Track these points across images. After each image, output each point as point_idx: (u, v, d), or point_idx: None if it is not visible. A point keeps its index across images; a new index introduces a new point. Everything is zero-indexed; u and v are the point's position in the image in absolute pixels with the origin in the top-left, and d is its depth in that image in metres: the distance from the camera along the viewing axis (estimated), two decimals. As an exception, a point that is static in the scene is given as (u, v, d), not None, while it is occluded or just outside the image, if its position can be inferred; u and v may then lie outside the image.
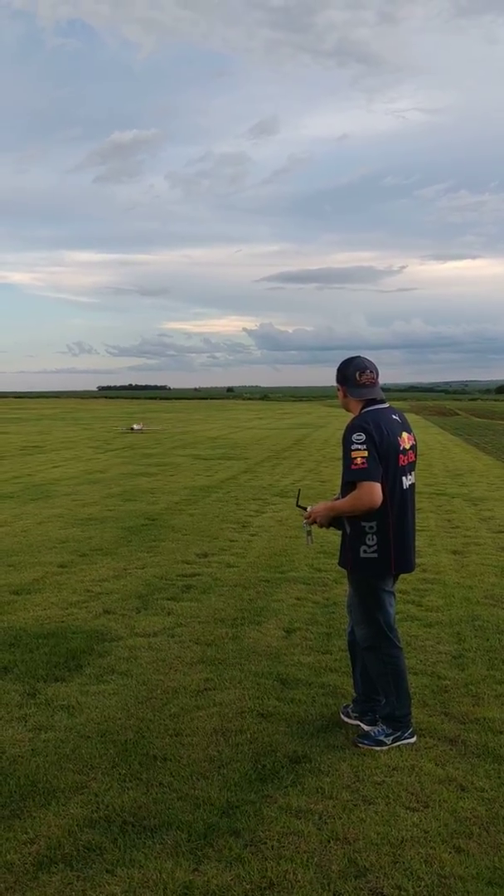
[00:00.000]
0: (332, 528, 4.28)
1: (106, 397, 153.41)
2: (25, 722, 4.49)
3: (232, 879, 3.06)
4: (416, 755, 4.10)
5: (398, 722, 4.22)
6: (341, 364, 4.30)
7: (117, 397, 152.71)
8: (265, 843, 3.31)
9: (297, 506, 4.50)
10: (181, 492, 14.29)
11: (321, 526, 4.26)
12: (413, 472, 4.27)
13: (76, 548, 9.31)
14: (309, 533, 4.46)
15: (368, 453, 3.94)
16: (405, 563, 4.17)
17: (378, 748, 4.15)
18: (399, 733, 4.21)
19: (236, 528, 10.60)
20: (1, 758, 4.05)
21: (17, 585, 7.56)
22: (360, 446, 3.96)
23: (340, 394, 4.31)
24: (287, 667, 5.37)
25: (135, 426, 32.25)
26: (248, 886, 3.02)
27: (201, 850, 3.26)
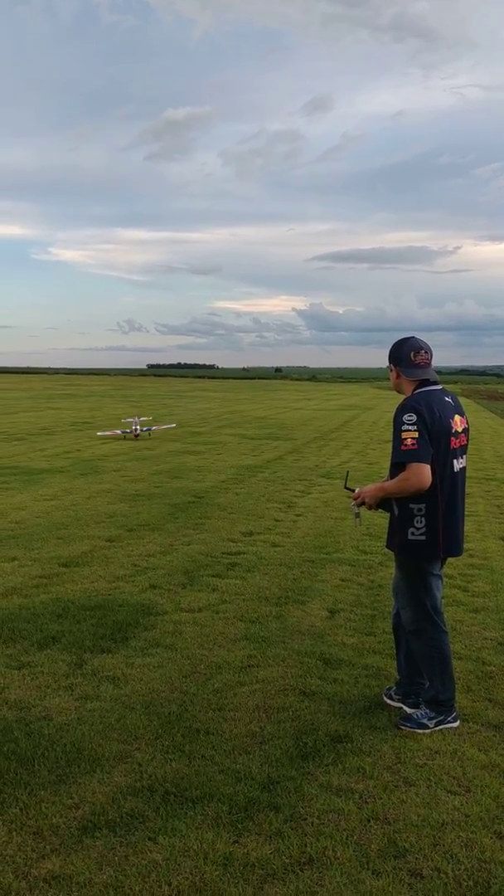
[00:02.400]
0: (380, 509, 4.25)
1: (155, 375, 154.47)
2: (72, 691, 4.59)
3: (272, 853, 3.10)
4: (458, 740, 4.08)
5: (442, 706, 4.19)
6: (395, 344, 4.24)
7: (166, 375, 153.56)
8: (305, 819, 3.33)
9: (346, 487, 4.48)
10: (228, 470, 14.34)
11: (369, 507, 4.23)
12: (464, 456, 4.20)
13: (124, 522, 9.43)
14: (357, 514, 4.43)
15: (419, 434, 3.89)
16: (453, 546, 4.12)
17: (421, 731, 4.13)
18: (442, 717, 4.19)
19: (282, 508, 10.61)
20: (48, 725, 4.14)
21: (66, 558, 7.70)
22: (410, 427, 3.91)
23: (393, 374, 4.25)
24: (330, 647, 5.38)
25: (137, 425, 19.97)
26: (287, 860, 3.05)
27: (241, 823, 3.30)
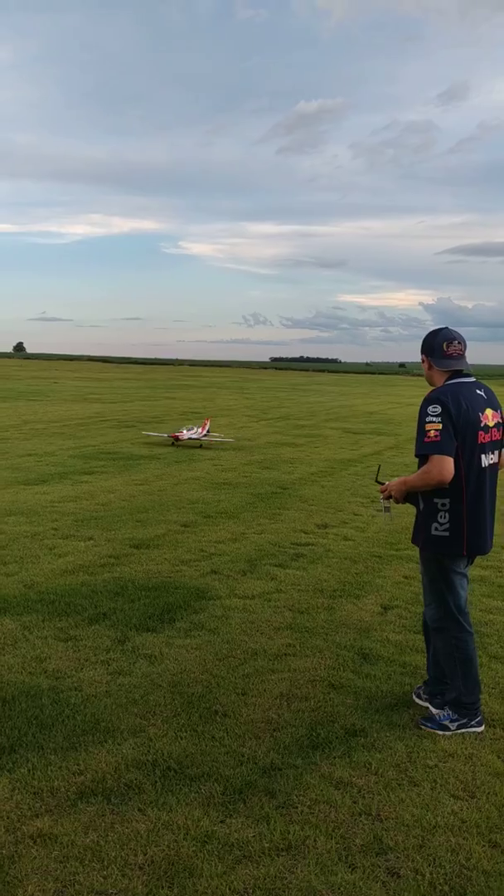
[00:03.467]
0: (408, 503, 4.16)
1: (276, 368, 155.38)
2: (108, 666, 4.76)
3: (253, 836, 3.12)
4: (478, 744, 3.94)
5: (465, 708, 4.06)
6: (428, 335, 4.13)
7: (287, 369, 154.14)
8: (296, 807, 3.33)
9: (376, 481, 4.41)
10: (320, 463, 14.30)
11: (397, 501, 4.15)
12: (497, 452, 4.04)
13: (203, 509, 9.61)
14: (387, 509, 4.36)
15: (442, 426, 3.78)
16: (479, 544, 3.97)
17: (441, 732, 4.02)
18: (465, 720, 4.06)
19: (363, 503, 10.49)
20: (76, 695, 4.32)
21: (138, 540, 7.94)
22: (434, 419, 3.80)
23: (425, 365, 4.15)
24: (373, 642, 5.31)
25: (185, 431, 16.76)
26: (266, 845, 3.06)
27: (233, 805, 3.33)
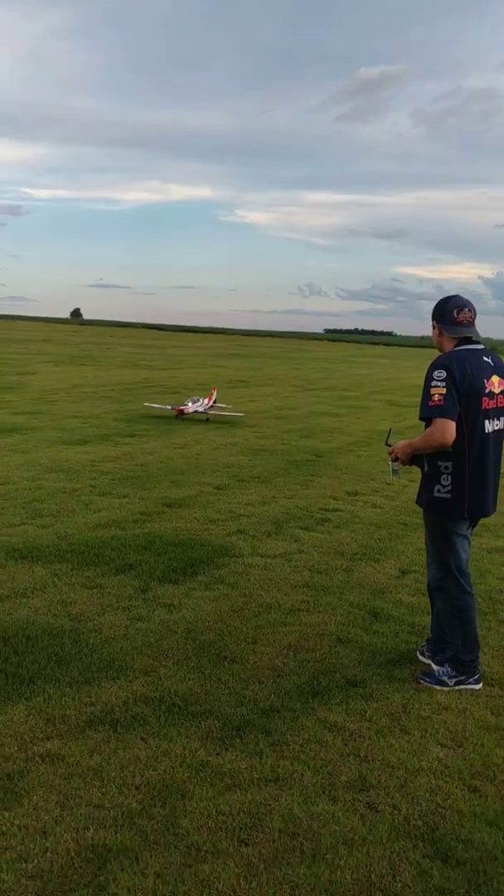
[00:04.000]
0: (414, 465, 4.29)
1: (329, 340, 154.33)
2: (128, 612, 5.02)
3: (245, 768, 3.33)
4: (472, 700, 4.08)
5: (463, 666, 4.20)
6: (440, 301, 4.22)
7: (341, 340, 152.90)
8: (288, 744, 3.54)
9: (386, 444, 4.53)
10: (360, 433, 14.37)
11: (403, 463, 4.29)
12: (502, 418, 4.12)
13: (237, 473, 9.82)
14: (395, 471, 4.50)
15: (446, 391, 3.88)
16: (480, 507, 4.08)
17: (439, 688, 4.18)
18: (463, 678, 4.20)
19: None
20: (95, 636, 4.59)
21: (171, 499, 8.19)
22: (439, 383, 3.91)
23: (436, 332, 4.24)
24: (386, 602, 5.46)
25: (190, 403, 15.36)
26: (256, 776, 3.28)
27: (229, 740, 3.55)
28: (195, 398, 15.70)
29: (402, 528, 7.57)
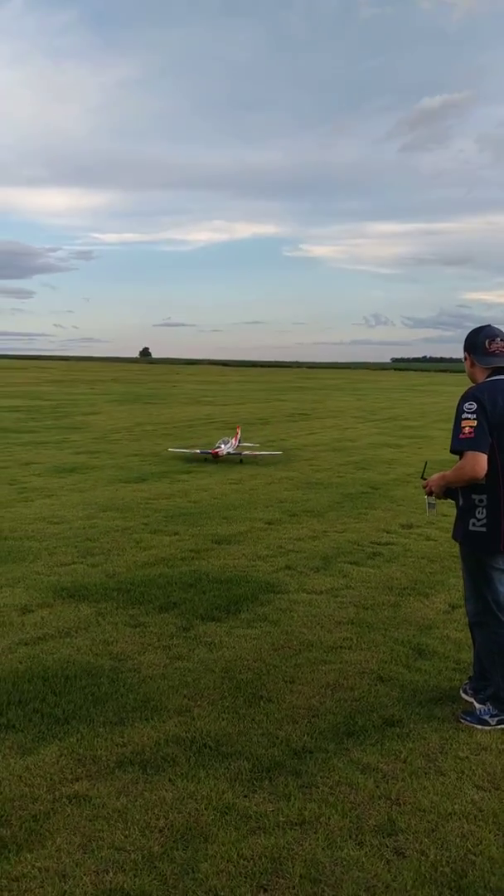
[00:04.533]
0: (449, 498, 4.22)
1: (396, 369, 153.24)
2: (169, 651, 5.04)
3: (271, 811, 3.28)
4: (515, 740, 3.93)
5: (504, 704, 4.06)
6: (471, 332, 4.17)
7: (407, 369, 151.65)
8: (318, 787, 3.47)
9: (422, 477, 4.47)
10: (419, 464, 14.13)
11: (438, 497, 4.23)
12: (535, 448, 4.01)
13: (289, 508, 9.79)
14: (432, 505, 4.43)
15: (477, 423, 3.82)
16: (516, 541, 3.96)
17: (480, 727, 4.04)
18: (506, 716, 4.05)
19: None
20: (134, 676, 4.62)
21: (221, 536, 8.22)
22: (470, 416, 3.85)
23: (468, 363, 4.18)
24: (432, 639, 5.33)
25: (223, 445, 14.57)
26: (281, 819, 3.22)
27: (258, 782, 3.51)
28: (225, 440, 15.07)
29: (455, 561, 7.38)
